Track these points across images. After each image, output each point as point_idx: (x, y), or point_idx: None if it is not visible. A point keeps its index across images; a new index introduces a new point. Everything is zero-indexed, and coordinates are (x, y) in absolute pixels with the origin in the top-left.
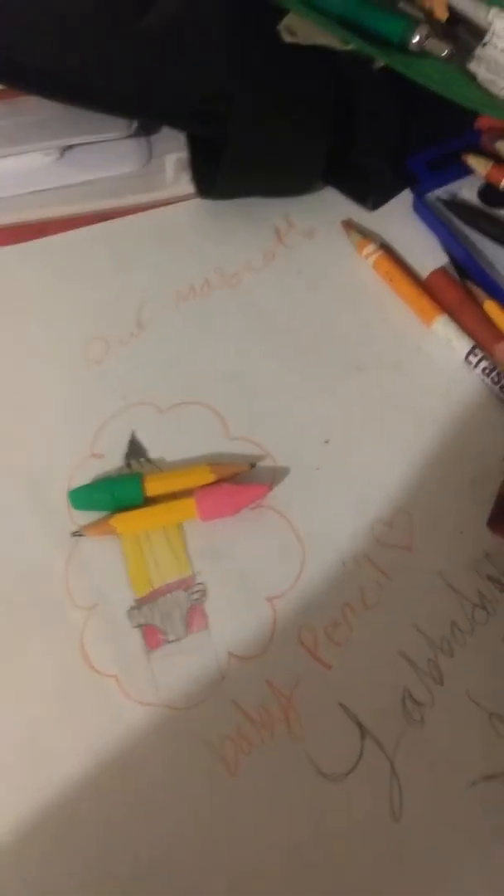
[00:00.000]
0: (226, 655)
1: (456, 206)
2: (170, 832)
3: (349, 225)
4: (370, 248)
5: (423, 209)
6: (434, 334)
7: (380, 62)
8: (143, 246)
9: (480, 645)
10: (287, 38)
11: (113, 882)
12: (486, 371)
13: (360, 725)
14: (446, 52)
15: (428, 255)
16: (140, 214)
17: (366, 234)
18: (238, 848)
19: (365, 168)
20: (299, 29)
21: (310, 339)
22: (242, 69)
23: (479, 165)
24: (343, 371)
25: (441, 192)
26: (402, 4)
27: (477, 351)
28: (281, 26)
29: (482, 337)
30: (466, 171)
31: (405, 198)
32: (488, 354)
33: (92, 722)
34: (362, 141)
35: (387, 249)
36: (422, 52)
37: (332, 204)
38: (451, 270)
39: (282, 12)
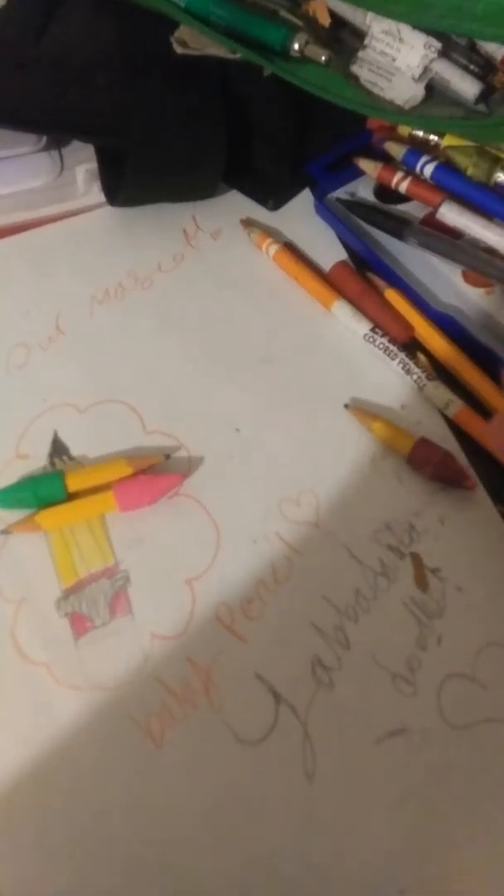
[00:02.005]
0: (149, 636)
1: (354, 205)
2: (101, 807)
3: (248, 223)
4: (269, 241)
5: (324, 210)
6: (334, 322)
7: (268, 69)
8: (59, 255)
9: (383, 610)
10: (179, 50)
11: (45, 859)
12: (385, 349)
13: (274, 693)
14: (324, 57)
15: (329, 252)
16: (54, 224)
17: (266, 231)
18: (166, 816)
19: (264, 171)
20: (190, 41)
21: (218, 335)
22: (136, 83)
23: (369, 168)
24: (250, 363)
25: (340, 193)
26: (282, 13)
27: (376, 330)
28: (173, 38)
29: (384, 321)
30: (362, 171)
31: (306, 199)
32: (392, 338)
33: (24, 710)
34: (259, 145)
35: (290, 247)
36: (303, 58)
37: (236, 206)
38: (351, 265)
39: (173, 25)
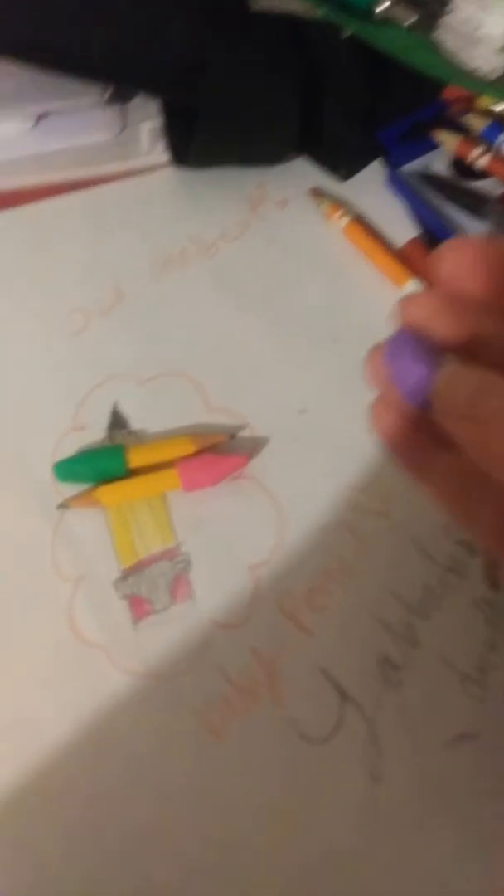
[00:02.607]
0: (210, 624)
1: (429, 178)
2: (158, 799)
3: (318, 193)
4: (340, 212)
5: (397, 182)
6: None
7: (348, 30)
8: (120, 215)
9: (453, 608)
10: (258, 6)
11: (100, 850)
12: None
13: (340, 690)
14: (409, 20)
15: (401, 226)
16: (115, 183)
17: (336, 202)
18: (225, 812)
19: (336, 137)
20: None
21: (286, 310)
22: (214, 38)
23: (448, 141)
24: (318, 341)
25: (414, 165)
26: None
27: None
28: None
29: None
30: (435, 143)
31: (378, 171)
32: None
33: (81, 692)
34: (332, 110)
35: (360, 220)
36: (388, 20)
37: (304, 174)
38: (425, 242)
39: None
